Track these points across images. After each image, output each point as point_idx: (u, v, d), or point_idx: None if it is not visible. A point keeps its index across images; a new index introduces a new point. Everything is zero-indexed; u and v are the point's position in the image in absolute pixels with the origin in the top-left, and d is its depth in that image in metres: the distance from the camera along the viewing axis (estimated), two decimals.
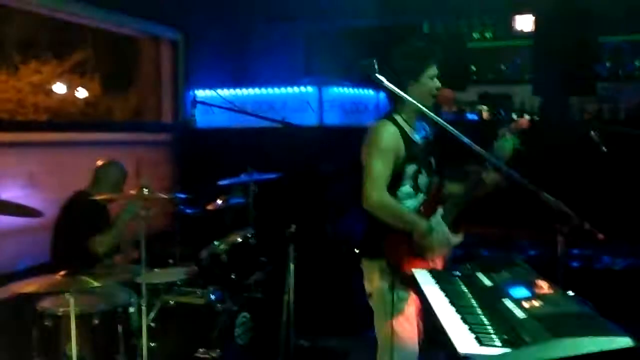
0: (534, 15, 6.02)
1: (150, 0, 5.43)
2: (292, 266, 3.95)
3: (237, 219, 4.55)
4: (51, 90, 9.15)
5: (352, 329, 4.50)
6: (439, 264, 2.93)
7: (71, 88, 9.39)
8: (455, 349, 1.76)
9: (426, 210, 2.90)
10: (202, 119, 5.73)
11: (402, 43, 2.96)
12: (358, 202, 2.82)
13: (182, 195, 4.14)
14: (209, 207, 4.38)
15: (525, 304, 1.95)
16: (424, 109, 2.54)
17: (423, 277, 2.53)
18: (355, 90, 5.67)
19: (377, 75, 2.43)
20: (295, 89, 5.57)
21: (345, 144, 3.42)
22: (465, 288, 2.30)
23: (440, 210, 2.90)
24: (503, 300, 2.04)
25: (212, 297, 3.78)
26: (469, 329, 1.88)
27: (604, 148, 2.86)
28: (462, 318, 1.98)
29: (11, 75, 8.63)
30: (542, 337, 1.69)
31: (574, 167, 4.64)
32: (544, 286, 2.11)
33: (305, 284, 4.12)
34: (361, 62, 2.43)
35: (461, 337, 1.83)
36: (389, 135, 2.83)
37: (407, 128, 2.91)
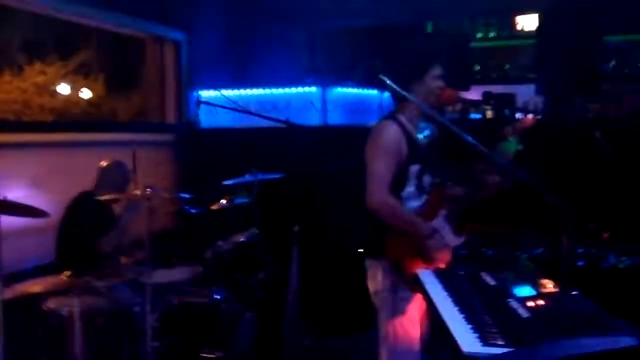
0: (537, 15, 6.02)
1: (153, 1, 5.45)
2: (296, 266, 3.96)
3: (241, 219, 4.55)
4: (56, 91, 9.18)
5: (357, 329, 4.50)
6: (442, 264, 2.93)
7: (75, 89, 9.42)
8: (459, 348, 1.76)
9: (430, 211, 2.90)
10: (206, 119, 5.74)
11: (405, 43, 2.96)
12: (361, 202, 2.82)
13: (187, 195, 4.15)
14: (213, 207, 4.39)
15: (530, 303, 1.95)
16: (427, 108, 2.54)
17: (427, 276, 2.53)
18: (359, 90, 5.67)
19: (381, 75, 2.43)
20: (299, 89, 5.57)
21: (348, 144, 3.42)
22: (469, 287, 2.30)
23: (443, 211, 2.89)
24: (507, 299, 2.04)
25: (217, 296, 3.79)
26: (473, 328, 1.88)
27: (607, 147, 2.86)
28: (466, 317, 1.98)
29: (16, 76, 8.66)
30: (547, 336, 1.69)
31: (577, 165, 4.63)
32: (548, 285, 2.11)
33: (310, 284, 4.13)
34: (366, 63, 2.44)
35: (465, 336, 1.83)
36: (392, 135, 2.83)
37: (410, 128, 2.91)
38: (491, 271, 2.38)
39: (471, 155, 2.49)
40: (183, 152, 5.80)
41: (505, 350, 1.72)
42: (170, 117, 5.92)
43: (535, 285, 2.12)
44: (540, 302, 1.95)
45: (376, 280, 2.92)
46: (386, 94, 5.52)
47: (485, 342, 1.77)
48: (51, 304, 3.24)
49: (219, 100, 5.08)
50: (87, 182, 3.95)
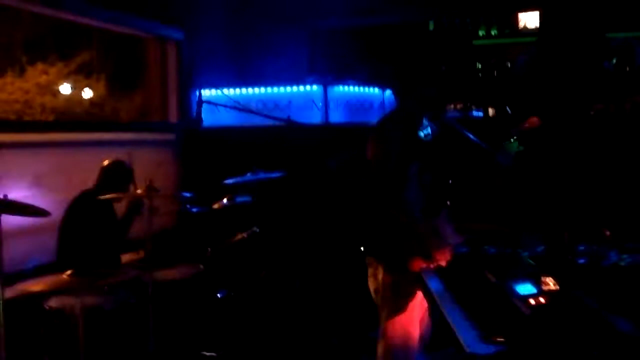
0: (540, 12, 6.01)
1: (155, 0, 5.45)
2: (298, 264, 3.96)
3: (243, 218, 4.56)
4: (58, 91, 9.20)
5: (359, 328, 4.50)
6: (443, 263, 2.93)
7: (77, 88, 9.44)
8: (461, 346, 1.76)
9: (431, 209, 2.89)
10: (208, 118, 5.72)
11: (409, 43, 2.96)
12: (362, 200, 2.82)
13: (188, 194, 4.15)
14: (215, 206, 4.39)
15: (532, 301, 1.94)
16: (429, 107, 2.54)
17: (428, 274, 2.53)
18: (360, 88, 5.67)
19: (387, 76, 2.44)
20: (301, 88, 5.57)
21: (350, 142, 3.42)
22: (471, 285, 2.30)
23: (445, 209, 2.89)
24: (509, 297, 2.03)
25: (218, 295, 3.79)
26: (475, 326, 1.87)
27: (609, 144, 2.85)
28: (467, 315, 1.98)
29: (18, 77, 8.69)
30: (548, 333, 1.69)
31: (580, 163, 4.62)
32: (550, 283, 2.10)
33: (312, 282, 4.13)
34: (373, 63, 2.45)
35: (467, 334, 1.83)
36: (394, 132, 2.83)
37: (413, 126, 2.91)
38: (493, 269, 2.37)
39: (473, 154, 2.49)
40: (185, 152, 5.80)
41: (507, 347, 1.72)
42: (172, 117, 5.92)
43: (537, 283, 2.11)
44: (542, 299, 1.95)
45: (377, 279, 2.92)
46: (388, 93, 5.51)
47: (487, 339, 1.77)
48: (53, 303, 3.25)
49: (220, 99, 5.09)
50: (88, 181, 3.95)
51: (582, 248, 2.59)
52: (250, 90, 5.72)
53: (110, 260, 3.78)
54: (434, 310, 2.35)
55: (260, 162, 4.57)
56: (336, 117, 5.45)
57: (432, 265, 2.76)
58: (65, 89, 9.29)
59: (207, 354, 3.66)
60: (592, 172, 4.54)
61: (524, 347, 1.69)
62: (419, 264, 2.72)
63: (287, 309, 4.08)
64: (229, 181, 4.39)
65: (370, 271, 2.98)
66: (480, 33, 6.72)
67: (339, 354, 4.54)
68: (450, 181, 3.05)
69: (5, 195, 2.97)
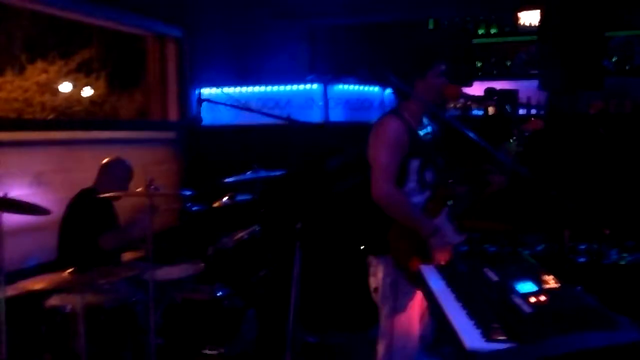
0: (539, 10, 6.00)
1: None
2: (298, 263, 3.96)
3: (243, 216, 4.56)
4: (57, 90, 9.20)
5: (359, 326, 4.50)
6: (443, 261, 2.93)
7: (77, 87, 9.44)
8: (462, 344, 1.76)
9: (432, 207, 2.89)
10: (208, 116, 5.74)
11: (408, 40, 2.96)
12: (363, 199, 2.82)
13: (189, 193, 4.15)
14: (215, 205, 4.39)
15: (532, 299, 1.94)
16: (430, 105, 2.54)
17: (429, 272, 2.53)
18: (361, 87, 5.67)
19: (384, 73, 2.44)
20: (301, 87, 5.57)
21: (350, 141, 3.42)
22: (471, 283, 2.30)
23: (446, 208, 2.89)
24: (510, 295, 2.03)
25: (219, 293, 3.79)
26: (476, 324, 1.88)
27: (610, 143, 2.85)
28: (468, 313, 1.98)
29: (18, 75, 8.68)
30: (549, 332, 1.69)
31: (580, 162, 4.62)
32: (550, 281, 2.11)
33: (312, 281, 4.12)
34: (369, 60, 2.45)
35: (468, 332, 1.83)
36: (394, 129, 2.83)
37: (412, 124, 2.91)
38: (493, 267, 2.38)
39: (473, 152, 2.49)
40: (185, 150, 5.80)
41: (507, 345, 1.72)
42: (172, 115, 5.92)
43: (537, 281, 2.11)
44: (542, 297, 1.95)
45: (377, 277, 2.92)
46: (388, 91, 5.51)
47: (488, 337, 1.77)
48: (54, 301, 3.25)
49: (220, 98, 5.09)
50: (88, 179, 3.95)
51: (582, 247, 2.59)
52: (250, 88, 5.71)
53: (110, 259, 3.78)
54: (434, 308, 2.35)
55: (260, 160, 4.57)
56: (336, 115, 5.45)
57: (432, 264, 2.76)
58: (65, 87, 9.29)
59: (209, 352, 3.67)
60: (592, 171, 4.54)
61: (524, 345, 1.69)
62: (419, 263, 2.73)
63: (287, 307, 4.07)
64: (229, 179, 4.39)
65: (370, 270, 2.99)
66: (480, 32, 6.73)
67: (339, 353, 4.55)
68: (450, 180, 3.06)
69: (5, 194, 2.97)
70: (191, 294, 3.78)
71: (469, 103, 5.79)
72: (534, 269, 2.29)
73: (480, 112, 5.96)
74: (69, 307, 3.17)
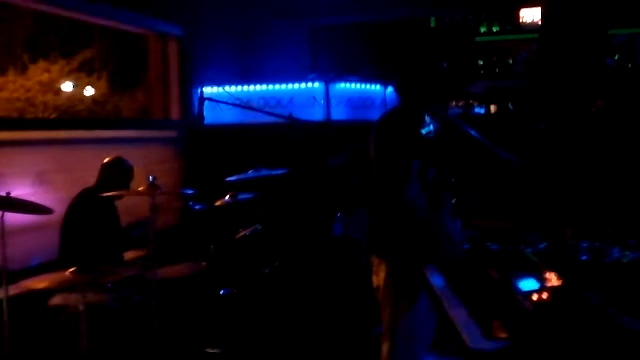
0: (541, 9, 5.99)
1: None
2: (300, 261, 3.96)
3: (246, 215, 4.56)
4: (60, 89, 9.21)
5: (363, 326, 4.50)
6: (447, 260, 2.92)
7: (79, 86, 9.44)
8: (464, 343, 1.76)
9: (435, 206, 2.89)
10: (210, 115, 5.72)
11: (411, 40, 2.96)
12: (365, 198, 2.81)
13: (191, 192, 4.15)
14: (218, 203, 4.39)
15: (534, 297, 1.94)
16: (432, 105, 2.53)
17: (432, 271, 2.52)
18: (362, 85, 5.66)
19: (386, 71, 2.44)
20: (303, 85, 5.57)
21: (352, 139, 3.42)
22: (474, 282, 2.30)
23: (448, 207, 2.89)
24: (512, 293, 2.03)
25: (221, 292, 3.79)
26: (478, 323, 1.87)
27: (611, 142, 2.85)
28: (470, 312, 1.98)
29: (20, 75, 8.69)
30: (551, 329, 1.69)
31: (582, 161, 4.61)
32: (552, 279, 2.10)
33: (313, 279, 4.13)
34: (371, 60, 2.45)
35: (470, 330, 1.83)
36: (397, 128, 2.83)
37: (415, 123, 2.90)
38: (496, 265, 2.37)
39: (476, 151, 2.48)
40: (187, 149, 5.81)
41: (510, 344, 1.72)
42: (174, 114, 5.92)
43: (540, 279, 2.11)
44: (545, 295, 1.95)
45: (380, 276, 2.92)
46: (390, 90, 5.51)
47: (490, 336, 1.77)
48: (56, 300, 3.25)
49: (222, 97, 5.09)
50: (91, 179, 3.96)
51: (585, 245, 2.59)
52: (252, 87, 5.72)
53: (113, 258, 3.78)
54: (436, 307, 2.35)
55: (262, 159, 4.57)
56: (338, 114, 5.45)
57: (435, 263, 2.76)
58: (67, 87, 9.30)
59: (211, 351, 3.67)
60: (595, 169, 4.54)
61: (527, 343, 1.69)
62: (422, 261, 2.72)
63: (290, 306, 4.08)
64: (231, 178, 4.40)
65: (373, 269, 2.98)
66: (482, 30, 6.72)
67: (342, 352, 4.54)
68: (453, 179, 3.05)
69: (8, 193, 2.98)
70: (193, 293, 3.78)
71: (471, 102, 5.79)
72: (537, 267, 2.29)
73: (483, 111, 5.95)
74: (71, 307, 3.17)
